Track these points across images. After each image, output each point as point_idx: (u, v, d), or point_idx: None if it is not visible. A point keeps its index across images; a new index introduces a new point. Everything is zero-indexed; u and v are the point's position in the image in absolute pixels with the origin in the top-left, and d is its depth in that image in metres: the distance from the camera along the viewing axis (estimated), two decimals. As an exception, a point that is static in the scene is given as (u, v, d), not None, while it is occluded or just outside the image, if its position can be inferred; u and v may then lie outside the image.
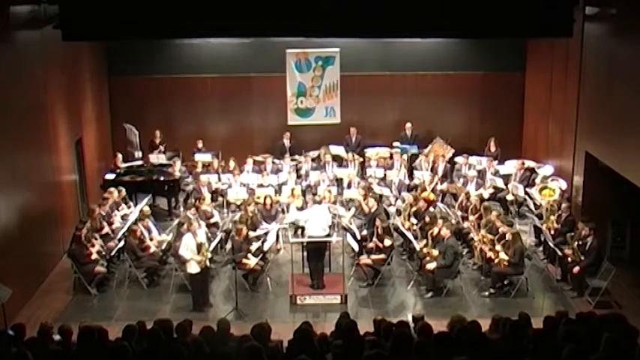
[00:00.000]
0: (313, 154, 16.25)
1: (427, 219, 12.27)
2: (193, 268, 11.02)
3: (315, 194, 14.31)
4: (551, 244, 12.15)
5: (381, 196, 14.01)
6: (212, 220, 13.22)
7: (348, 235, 12.50)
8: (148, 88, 16.92)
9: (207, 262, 11.25)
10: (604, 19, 12.13)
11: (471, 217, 12.97)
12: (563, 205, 12.69)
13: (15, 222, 10.99)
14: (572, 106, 13.37)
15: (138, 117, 16.72)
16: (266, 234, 12.50)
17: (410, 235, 12.28)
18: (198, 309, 11.08)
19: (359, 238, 12.46)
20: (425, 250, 11.77)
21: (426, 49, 16.82)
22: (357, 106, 17.00)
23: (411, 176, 15.51)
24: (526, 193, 14.16)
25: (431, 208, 13.11)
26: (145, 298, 11.63)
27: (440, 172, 15.20)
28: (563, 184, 13.78)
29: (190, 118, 17.20)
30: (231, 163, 15.48)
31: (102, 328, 7.08)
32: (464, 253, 12.36)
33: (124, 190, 14.01)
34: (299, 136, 16.88)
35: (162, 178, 15.20)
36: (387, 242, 11.90)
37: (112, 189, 13.78)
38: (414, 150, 16.27)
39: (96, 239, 12.00)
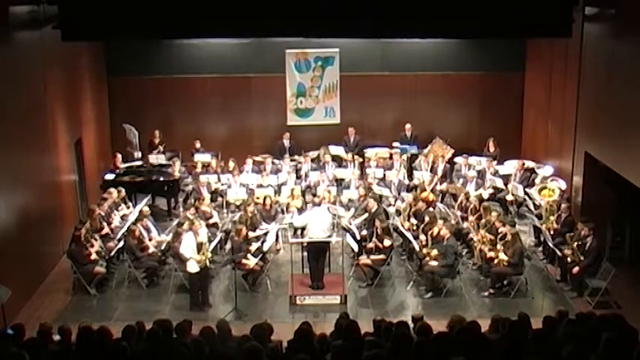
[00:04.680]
0: (313, 154, 16.25)
1: (427, 219, 12.27)
2: (193, 267, 11.03)
3: (314, 194, 14.32)
4: (550, 245, 12.15)
5: (380, 196, 14.01)
6: (211, 221, 13.21)
7: (348, 235, 12.50)
8: (148, 88, 16.92)
9: (207, 262, 11.26)
10: (604, 20, 12.14)
11: (471, 218, 12.97)
12: (563, 206, 12.70)
13: (14, 222, 10.99)
14: (571, 107, 13.38)
15: (137, 117, 16.71)
16: (265, 234, 12.49)
17: (409, 236, 12.29)
18: (196, 308, 11.09)
19: (358, 238, 12.46)
20: (424, 250, 11.77)
21: (425, 49, 16.82)
22: (357, 106, 17.00)
23: (410, 176, 15.51)
24: (525, 193, 14.16)
25: (430, 209, 13.11)
26: (144, 299, 11.63)
27: (439, 173, 15.21)
28: (563, 185, 13.79)
29: (190, 119, 17.20)
30: (231, 164, 15.47)
31: (105, 327, 7.08)
32: (463, 253, 12.36)
33: (123, 190, 14.01)
34: (298, 137, 16.88)
35: (161, 179, 15.19)
36: (387, 242, 11.90)
37: (111, 189, 13.78)
38: (413, 150, 16.28)
39: (95, 239, 11.99)
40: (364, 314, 10.87)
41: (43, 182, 12.38)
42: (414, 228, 12.61)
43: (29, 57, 11.91)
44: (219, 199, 15.19)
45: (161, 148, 16.33)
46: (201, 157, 15.93)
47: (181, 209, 15.11)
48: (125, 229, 12.51)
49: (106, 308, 11.31)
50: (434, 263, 11.49)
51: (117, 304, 11.46)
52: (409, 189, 14.73)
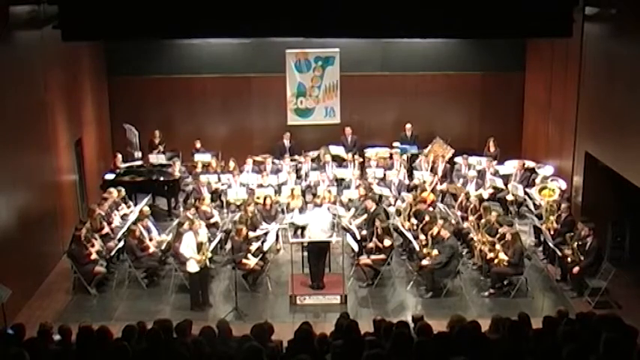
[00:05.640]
0: (313, 154, 16.26)
1: (427, 219, 12.27)
2: (192, 267, 11.04)
3: (314, 194, 14.32)
4: (550, 245, 12.15)
5: (380, 196, 14.02)
6: (212, 221, 13.21)
7: (348, 235, 12.51)
8: (148, 88, 16.92)
9: (207, 262, 11.27)
10: (604, 19, 12.14)
11: (471, 218, 12.96)
12: (563, 206, 12.70)
13: (15, 222, 10.99)
14: (571, 106, 13.38)
15: (137, 117, 16.72)
16: (266, 234, 12.51)
17: (410, 236, 12.29)
18: (196, 308, 11.10)
19: (359, 238, 12.46)
20: (425, 250, 11.77)
21: (426, 49, 16.83)
22: (357, 106, 17.00)
23: (410, 176, 15.52)
24: (526, 193, 14.17)
25: (430, 208, 13.11)
26: (144, 298, 11.63)
27: (440, 173, 15.21)
28: (563, 185, 13.79)
29: (190, 119, 17.21)
30: (231, 164, 15.48)
31: (105, 327, 7.09)
32: (464, 253, 12.36)
33: (123, 190, 14.01)
34: (299, 137, 16.88)
35: (161, 179, 15.20)
36: (387, 242, 11.90)
37: (111, 189, 13.78)
38: (413, 150, 16.28)
39: (95, 239, 12.00)
40: (364, 314, 10.87)
41: (43, 182, 12.38)
42: (415, 228, 12.61)
43: (29, 57, 11.91)
44: (220, 199, 15.19)
45: (161, 148, 16.34)
46: (201, 157, 15.94)
47: (181, 209, 15.11)
48: (125, 228, 12.53)
49: (107, 308, 11.32)
50: (425, 262, 11.49)
51: (117, 304, 11.46)
52: (409, 189, 14.74)
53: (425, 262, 11.52)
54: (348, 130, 16.68)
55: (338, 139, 16.64)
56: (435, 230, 11.78)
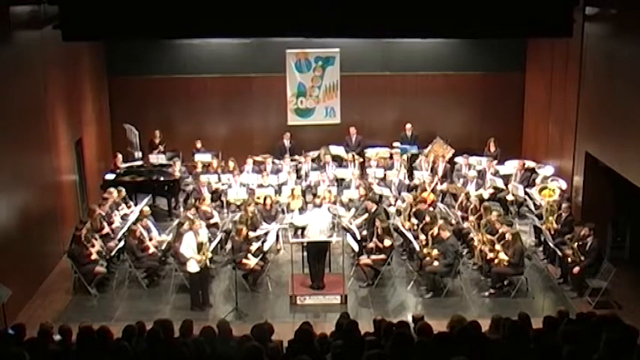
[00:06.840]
0: (313, 154, 16.26)
1: (427, 219, 12.27)
2: (193, 267, 11.04)
3: (315, 194, 14.32)
4: (551, 245, 12.15)
5: (381, 196, 14.01)
6: (212, 221, 13.21)
7: (348, 235, 12.51)
8: (148, 88, 16.92)
9: (207, 262, 11.27)
10: (604, 19, 12.14)
11: (471, 218, 12.97)
12: (563, 206, 12.69)
13: (15, 222, 10.99)
14: (572, 107, 13.38)
15: (138, 117, 16.72)
16: (266, 234, 12.51)
17: (410, 236, 12.29)
18: (196, 308, 11.10)
19: (359, 238, 12.46)
20: (425, 250, 11.77)
21: (426, 49, 16.83)
22: (357, 106, 17.00)
23: (411, 176, 15.52)
24: (526, 193, 14.16)
25: (431, 208, 13.11)
26: (145, 298, 11.63)
27: (440, 173, 15.21)
28: (563, 185, 13.79)
29: (190, 119, 17.21)
30: (231, 164, 15.48)
31: (105, 327, 7.09)
32: (464, 253, 12.35)
33: (123, 190, 14.01)
34: (299, 137, 16.88)
35: (162, 179, 15.19)
36: (387, 242, 11.90)
37: (111, 189, 13.78)
38: (413, 150, 16.28)
39: (96, 239, 11.99)
40: (364, 314, 10.87)
41: (43, 182, 12.38)
42: (415, 228, 12.61)
43: (29, 57, 11.91)
44: (220, 199, 15.18)
45: (161, 148, 16.35)
46: (201, 157, 15.94)
47: (182, 209, 15.11)
48: (126, 228, 12.53)
49: (107, 308, 11.31)
50: (435, 264, 11.48)
51: (117, 304, 11.46)
52: (409, 189, 14.73)
53: (434, 264, 11.48)
54: (352, 130, 16.68)
55: (338, 139, 16.63)
56: (435, 230, 11.78)
